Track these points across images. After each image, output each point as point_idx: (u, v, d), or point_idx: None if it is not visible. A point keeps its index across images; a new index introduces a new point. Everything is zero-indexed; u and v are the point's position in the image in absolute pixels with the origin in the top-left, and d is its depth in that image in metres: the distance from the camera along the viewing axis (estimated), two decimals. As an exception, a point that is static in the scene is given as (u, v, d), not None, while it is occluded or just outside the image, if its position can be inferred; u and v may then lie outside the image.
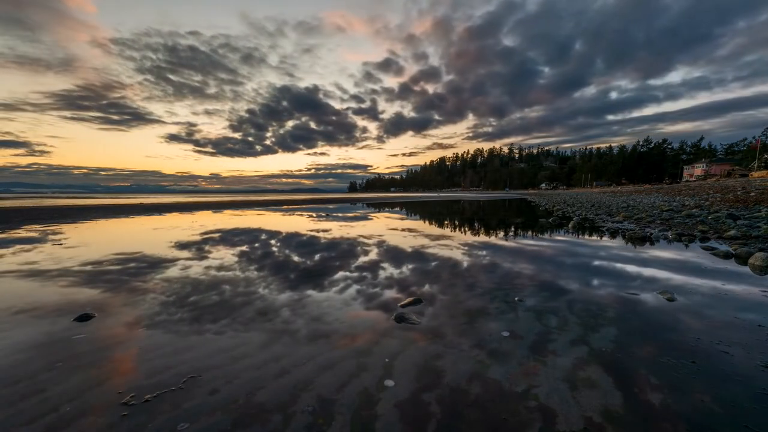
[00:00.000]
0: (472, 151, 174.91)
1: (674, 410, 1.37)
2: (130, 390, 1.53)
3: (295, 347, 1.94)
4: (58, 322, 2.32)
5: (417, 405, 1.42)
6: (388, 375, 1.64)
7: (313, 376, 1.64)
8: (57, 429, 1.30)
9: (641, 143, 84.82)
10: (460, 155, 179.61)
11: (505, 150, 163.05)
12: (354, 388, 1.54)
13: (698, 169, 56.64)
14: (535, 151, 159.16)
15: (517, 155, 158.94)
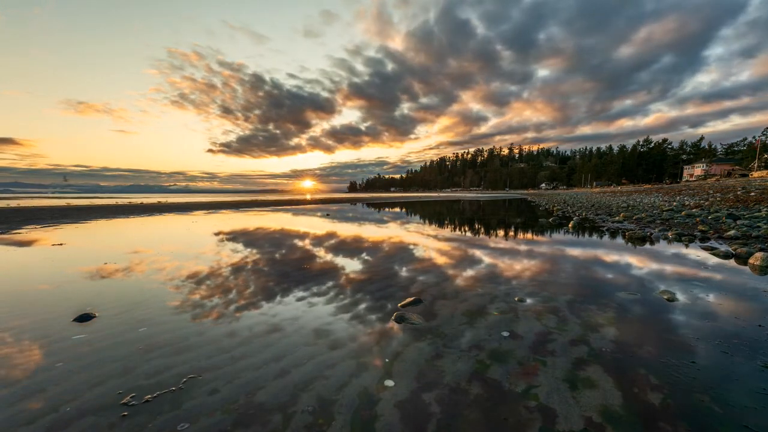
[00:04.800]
0: (472, 151, 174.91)
1: (674, 410, 1.37)
2: (130, 390, 1.54)
3: (295, 347, 1.94)
4: (59, 322, 2.32)
5: (417, 405, 1.42)
6: (389, 375, 1.64)
7: (314, 376, 1.64)
8: (57, 429, 1.30)
9: (641, 143, 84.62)
10: (460, 155, 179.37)
11: (505, 150, 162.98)
12: (354, 388, 1.54)
13: (698, 169, 56.58)
14: (535, 151, 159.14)
15: (517, 155, 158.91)
